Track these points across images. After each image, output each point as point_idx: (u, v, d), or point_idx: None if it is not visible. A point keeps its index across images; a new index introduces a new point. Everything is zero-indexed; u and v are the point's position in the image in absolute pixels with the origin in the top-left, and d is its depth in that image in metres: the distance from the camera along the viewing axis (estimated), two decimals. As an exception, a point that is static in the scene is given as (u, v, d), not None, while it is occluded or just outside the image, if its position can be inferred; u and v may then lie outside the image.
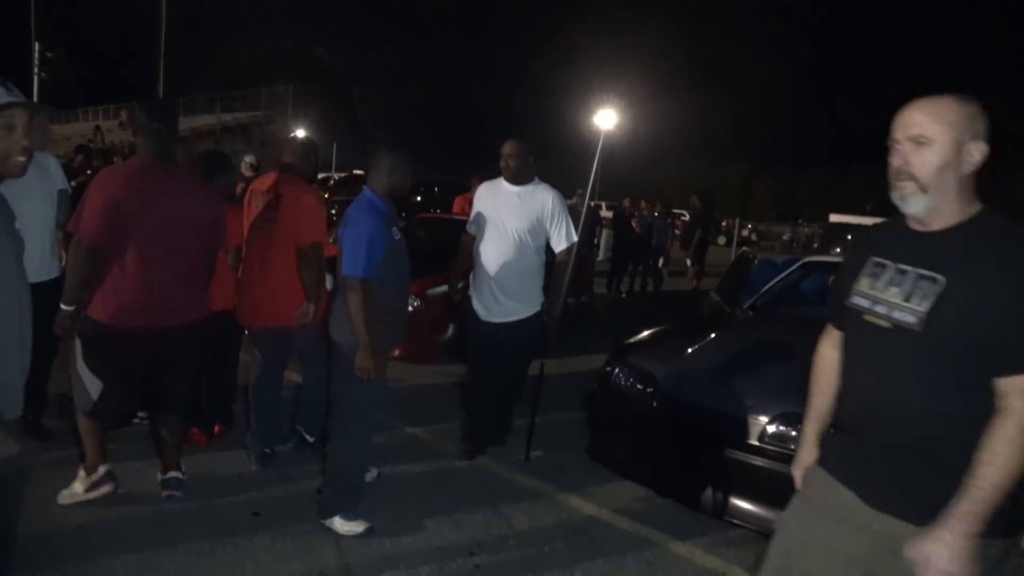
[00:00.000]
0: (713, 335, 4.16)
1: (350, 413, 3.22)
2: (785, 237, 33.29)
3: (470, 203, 9.59)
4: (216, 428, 4.21)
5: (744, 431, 3.37)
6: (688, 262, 11.48)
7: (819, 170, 60.14)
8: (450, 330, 6.54)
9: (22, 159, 1.85)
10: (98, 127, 32.80)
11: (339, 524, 3.21)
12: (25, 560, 2.72)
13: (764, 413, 3.37)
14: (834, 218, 36.97)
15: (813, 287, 5.44)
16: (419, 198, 17.59)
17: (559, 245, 4.09)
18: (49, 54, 12.59)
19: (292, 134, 28.60)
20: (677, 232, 14.39)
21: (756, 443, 3.34)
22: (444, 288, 6.59)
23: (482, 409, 4.22)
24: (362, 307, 3.03)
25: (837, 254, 23.41)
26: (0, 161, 1.83)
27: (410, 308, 6.06)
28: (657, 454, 3.71)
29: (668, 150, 56.00)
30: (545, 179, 4.18)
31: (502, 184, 4.11)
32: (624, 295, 11.79)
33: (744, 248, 6.51)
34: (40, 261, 3.67)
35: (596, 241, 12.74)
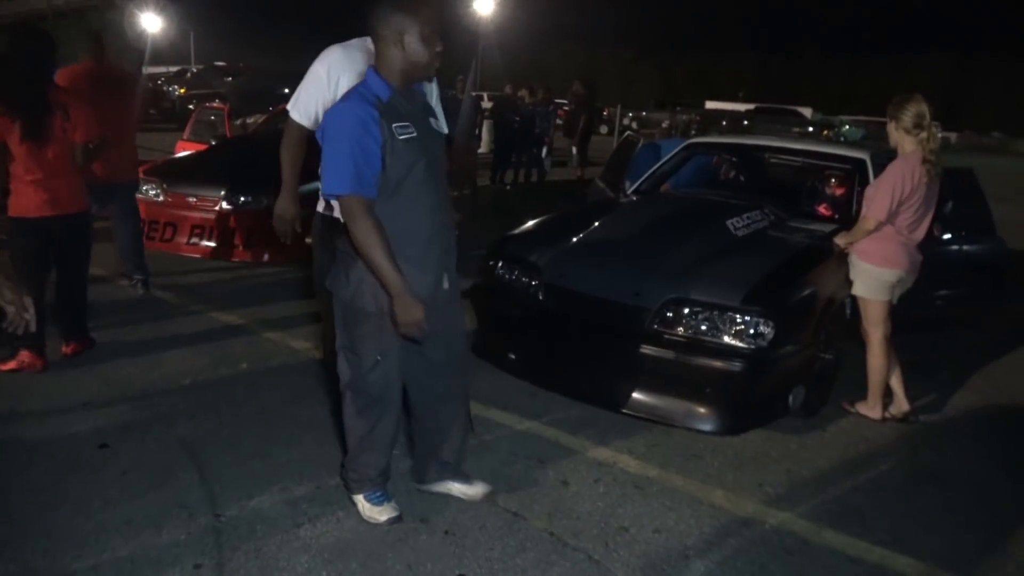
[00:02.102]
0: (598, 222, 3.99)
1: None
2: (664, 124, 33.79)
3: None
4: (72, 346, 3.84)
5: (633, 319, 3.27)
6: (573, 150, 11.29)
7: (693, 57, 60.94)
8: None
9: None
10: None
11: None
12: None
13: (653, 300, 3.27)
14: (710, 105, 38.19)
15: (696, 169, 5.37)
16: (287, 90, 16.33)
17: None
18: None
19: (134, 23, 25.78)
20: (560, 121, 14.09)
21: (646, 331, 3.25)
22: (314, 184, 6.12)
23: None
24: (374, 231, 2.14)
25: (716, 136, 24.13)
26: None
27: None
28: (543, 348, 3.59)
29: (548, 37, 54.79)
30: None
31: (369, 48, 2.55)
32: (508, 186, 11.53)
33: (628, 132, 6.32)
34: None
35: (478, 132, 12.30)
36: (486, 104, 16.52)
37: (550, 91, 12.69)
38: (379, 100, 2.16)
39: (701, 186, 5.27)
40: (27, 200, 3.51)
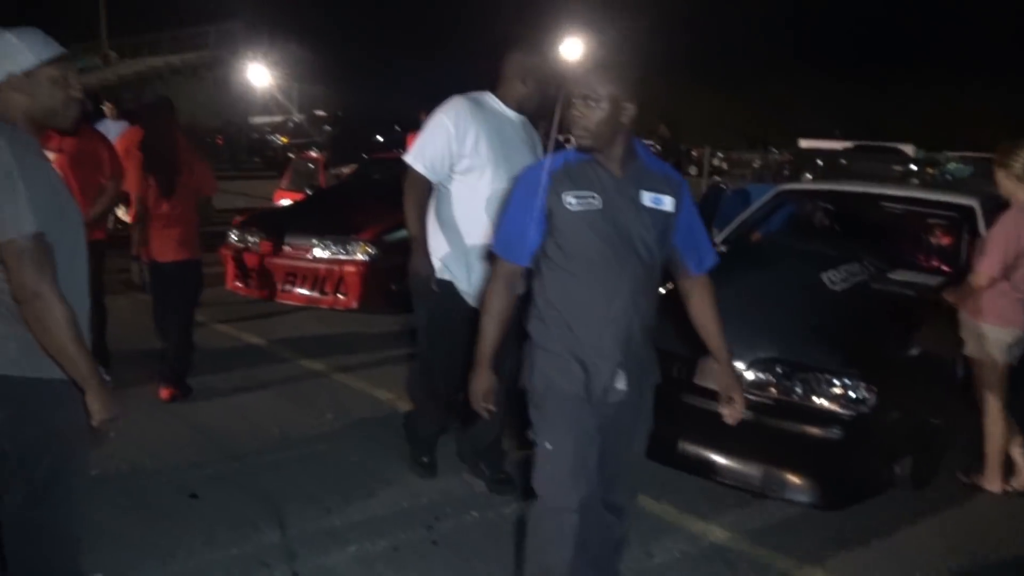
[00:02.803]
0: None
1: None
2: (756, 164, 33.03)
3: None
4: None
5: (705, 375, 3.11)
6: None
7: (784, 93, 59.62)
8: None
9: (74, 112, 1.85)
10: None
11: None
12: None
13: (741, 359, 3.11)
14: (804, 143, 36.96)
15: (787, 217, 5.16)
16: (380, 138, 16.92)
17: None
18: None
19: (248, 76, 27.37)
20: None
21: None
22: (403, 233, 6.26)
23: (440, 408, 3.24)
24: (495, 297, 2.07)
25: (809, 180, 23.42)
26: (44, 114, 1.80)
27: (365, 256, 5.78)
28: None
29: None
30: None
31: (495, 105, 2.91)
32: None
33: (715, 178, 6.18)
34: None
35: None
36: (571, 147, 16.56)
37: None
38: (566, 165, 1.98)
39: (793, 236, 5.05)
40: (160, 246, 3.95)
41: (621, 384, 2.01)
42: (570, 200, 1.93)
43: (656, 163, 2.10)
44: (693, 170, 25.08)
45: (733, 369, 2.27)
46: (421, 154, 2.83)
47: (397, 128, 17.86)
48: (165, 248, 3.95)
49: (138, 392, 3.93)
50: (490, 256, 2.11)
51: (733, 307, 3.41)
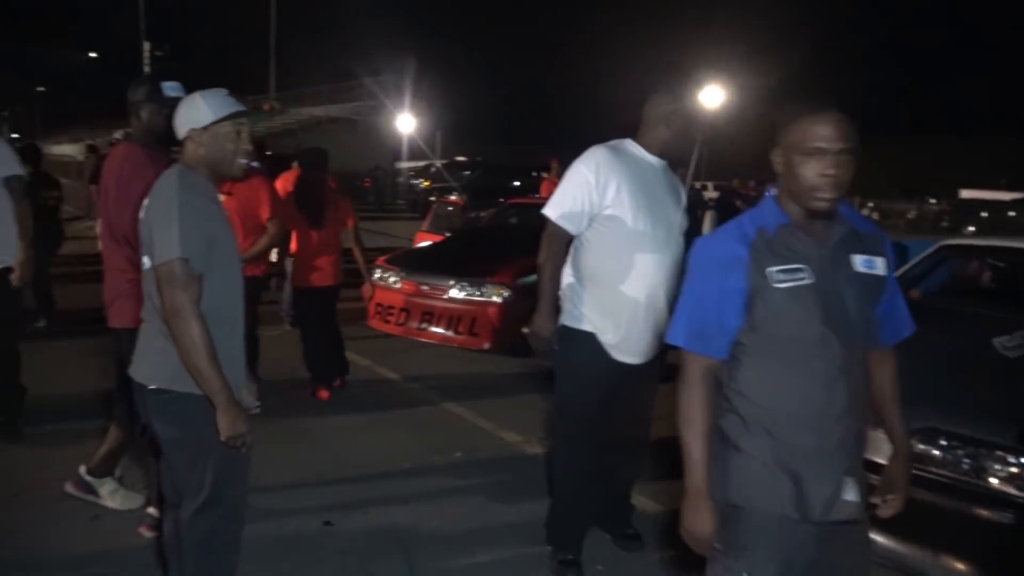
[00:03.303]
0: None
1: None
2: (910, 215, 30.95)
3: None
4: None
5: (876, 449, 2.87)
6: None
7: (940, 140, 55.44)
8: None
9: (244, 162, 2.07)
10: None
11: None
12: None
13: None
14: (965, 194, 34.14)
15: (951, 274, 4.76)
16: (517, 183, 17.36)
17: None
18: (158, 52, 13.17)
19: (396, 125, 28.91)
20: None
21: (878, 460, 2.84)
22: (535, 278, 6.33)
23: (588, 490, 2.89)
24: (695, 404, 1.70)
25: (971, 234, 21.53)
26: (217, 164, 2.03)
27: (499, 298, 5.89)
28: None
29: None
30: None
31: (636, 152, 2.78)
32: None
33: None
34: None
35: (700, 225, 12.05)
36: (710, 194, 16.28)
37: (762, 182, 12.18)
38: (761, 233, 1.66)
39: (957, 295, 4.65)
40: (306, 274, 4.72)
41: (851, 495, 1.64)
42: (777, 276, 1.61)
43: (858, 218, 1.76)
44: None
45: (908, 464, 1.92)
46: (560, 206, 2.71)
47: (534, 174, 18.26)
48: (313, 275, 4.70)
49: (283, 419, 4.16)
50: (681, 355, 1.73)
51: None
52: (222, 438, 1.92)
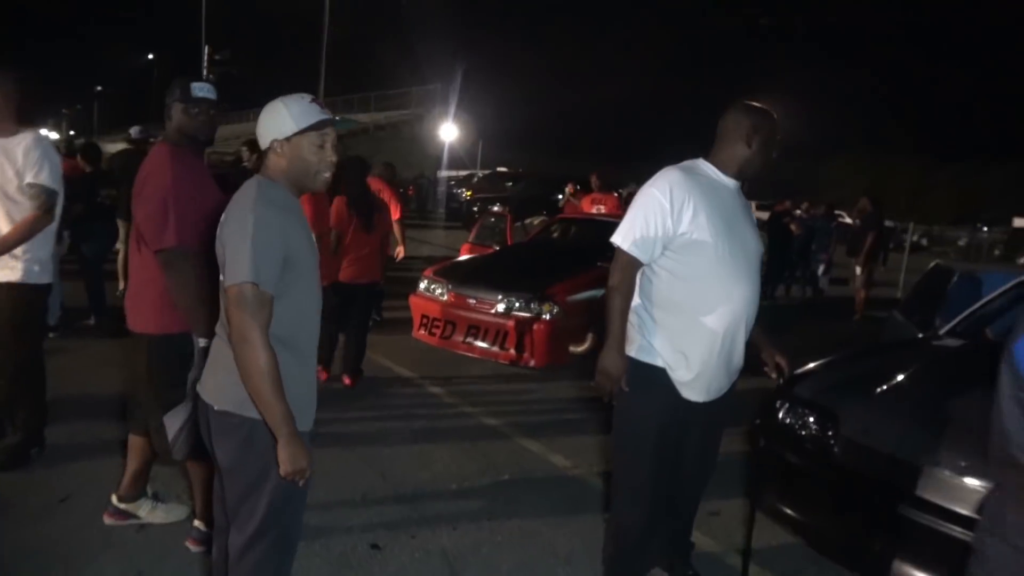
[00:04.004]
0: (909, 370, 3.45)
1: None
2: (961, 243, 30.09)
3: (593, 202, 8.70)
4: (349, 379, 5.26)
5: (960, 498, 2.69)
6: (857, 270, 10.34)
7: (999, 166, 53.88)
8: (588, 340, 6.10)
9: (328, 175, 1.95)
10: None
11: None
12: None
13: (985, 477, 2.67)
14: (1018, 222, 33.07)
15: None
16: (560, 196, 17.22)
17: None
18: (218, 56, 13.39)
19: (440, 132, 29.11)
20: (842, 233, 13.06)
21: (974, 515, 2.65)
22: (587, 294, 6.22)
23: (649, 534, 2.74)
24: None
25: (1024, 264, 20.66)
26: (300, 176, 1.92)
27: (548, 315, 5.78)
28: (832, 510, 3.09)
29: (829, 145, 52.10)
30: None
31: (710, 173, 2.58)
32: (780, 303, 10.84)
33: (938, 262, 5.56)
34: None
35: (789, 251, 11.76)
36: (758, 214, 15.98)
37: (832, 206, 11.90)
38: None
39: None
40: (353, 271, 5.16)
41: None
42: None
43: None
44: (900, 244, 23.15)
45: None
46: (631, 233, 2.49)
47: (578, 187, 18.09)
48: (360, 272, 5.20)
49: (326, 432, 4.09)
50: None
51: (973, 415, 2.97)
52: (281, 472, 1.81)
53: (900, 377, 3.37)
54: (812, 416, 3.26)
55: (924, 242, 29.44)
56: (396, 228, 6.71)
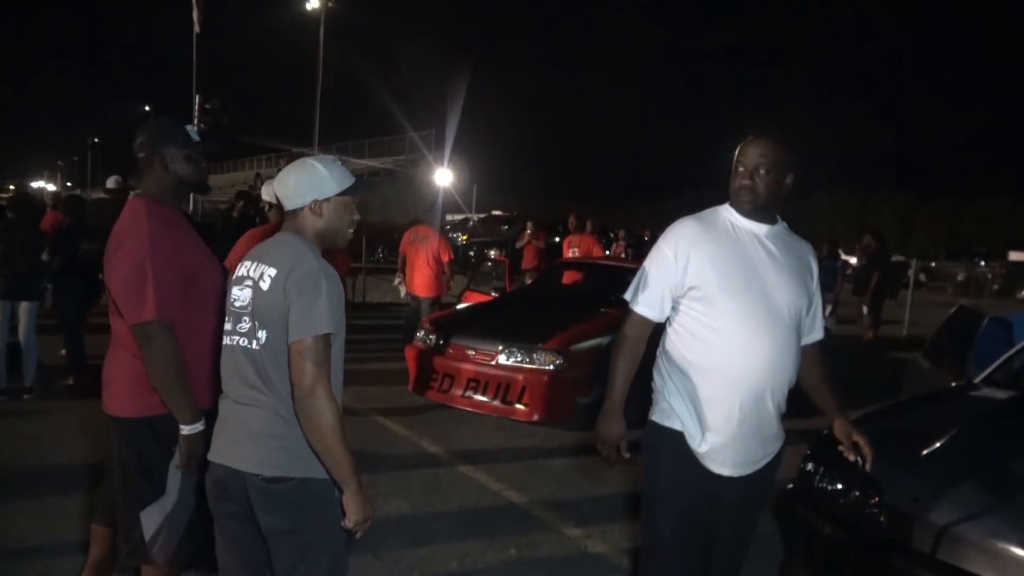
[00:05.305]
0: (954, 429, 3.14)
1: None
2: (960, 278, 30.02)
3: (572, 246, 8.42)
4: None
5: (1014, 573, 2.37)
6: (864, 309, 10.09)
7: (986, 201, 54.32)
8: (594, 391, 5.78)
9: (351, 232, 2.04)
10: (258, 175, 35.18)
11: None
12: None
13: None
14: (1014, 256, 33.19)
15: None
16: (557, 239, 17.03)
17: (815, 335, 2.44)
18: (208, 105, 13.27)
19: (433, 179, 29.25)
20: (848, 272, 12.82)
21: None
22: (591, 342, 5.92)
23: None
24: None
25: (1024, 297, 20.49)
26: (333, 235, 2.00)
27: (551, 366, 5.48)
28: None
29: (819, 182, 52.53)
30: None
31: (730, 218, 2.32)
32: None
33: (962, 303, 5.30)
34: None
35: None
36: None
37: (835, 243, 11.69)
38: None
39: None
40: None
41: None
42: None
43: None
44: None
45: None
46: (637, 289, 2.33)
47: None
48: None
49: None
50: None
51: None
52: (349, 524, 1.83)
53: (948, 436, 3.05)
54: (852, 482, 2.94)
55: (923, 277, 29.35)
56: (447, 268, 7.32)
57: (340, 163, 2.01)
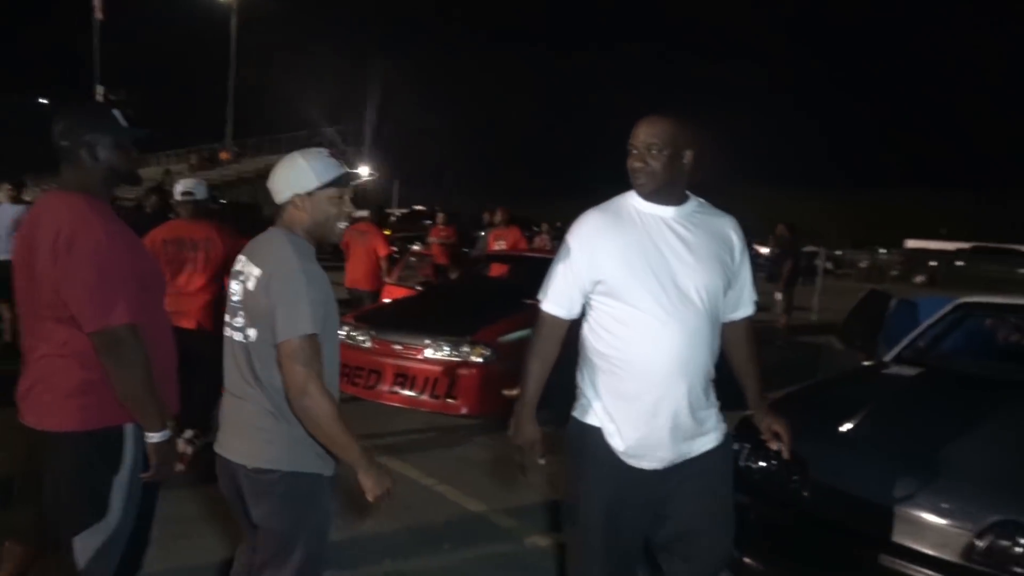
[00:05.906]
0: (870, 404, 3.29)
1: None
2: (862, 265, 31.72)
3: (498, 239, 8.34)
4: None
5: (944, 544, 2.49)
6: (777, 296, 10.48)
7: (883, 193, 57.70)
8: (524, 383, 5.78)
9: (344, 226, 2.05)
10: (168, 171, 33.67)
11: None
12: None
13: (970, 520, 2.49)
14: (910, 243, 35.31)
15: (968, 334, 4.49)
16: (481, 232, 17.01)
17: (742, 311, 2.39)
18: (112, 97, 12.58)
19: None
20: (760, 262, 13.32)
21: (959, 561, 2.46)
22: (519, 334, 5.91)
23: None
24: None
25: (921, 282, 21.98)
26: (320, 229, 2.00)
27: (480, 359, 5.45)
28: (803, 561, 2.86)
29: (732, 176, 54.47)
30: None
31: (635, 205, 2.23)
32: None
33: (875, 287, 5.55)
34: None
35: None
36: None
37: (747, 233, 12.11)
38: None
39: (980, 356, 4.37)
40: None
41: None
42: None
43: None
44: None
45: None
46: (546, 288, 2.28)
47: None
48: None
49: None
50: None
51: (945, 452, 2.81)
52: (371, 498, 1.91)
53: (863, 412, 3.19)
54: (776, 459, 3.03)
55: (830, 265, 30.82)
56: (383, 263, 7.20)
57: (327, 156, 2.01)
